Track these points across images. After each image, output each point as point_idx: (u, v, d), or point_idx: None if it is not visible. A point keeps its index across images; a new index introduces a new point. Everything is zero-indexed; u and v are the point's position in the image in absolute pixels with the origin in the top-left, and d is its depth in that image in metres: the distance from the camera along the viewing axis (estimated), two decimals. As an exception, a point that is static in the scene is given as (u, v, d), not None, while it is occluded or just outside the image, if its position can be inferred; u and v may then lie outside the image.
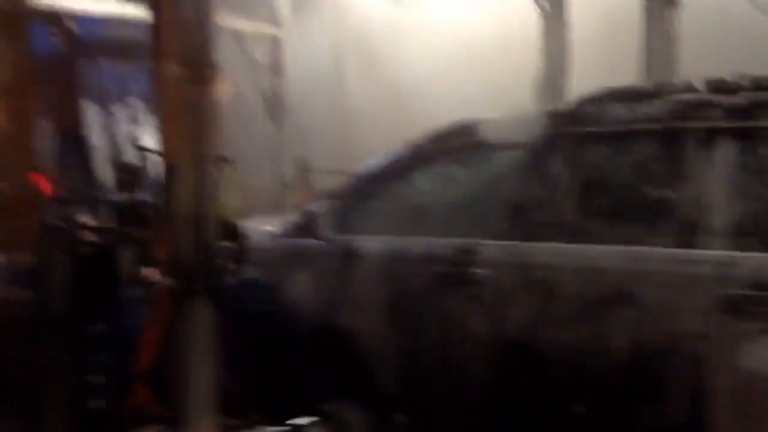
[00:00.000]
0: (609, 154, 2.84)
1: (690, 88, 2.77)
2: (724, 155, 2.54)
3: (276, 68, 8.85)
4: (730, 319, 2.38)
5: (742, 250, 2.45)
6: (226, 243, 2.93)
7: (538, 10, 7.61)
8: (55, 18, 7.25)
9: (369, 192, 3.40)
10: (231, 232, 2.95)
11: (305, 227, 3.38)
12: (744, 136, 2.54)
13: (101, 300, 3.28)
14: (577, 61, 7.54)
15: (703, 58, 6.29)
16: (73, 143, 6.44)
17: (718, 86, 2.70)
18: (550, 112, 3.11)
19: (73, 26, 7.42)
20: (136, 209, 3.35)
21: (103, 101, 7.15)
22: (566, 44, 7.58)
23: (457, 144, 3.24)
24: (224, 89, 9.45)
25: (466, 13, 9.00)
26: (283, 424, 3.18)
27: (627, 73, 6.28)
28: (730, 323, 2.38)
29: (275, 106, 8.98)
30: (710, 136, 2.58)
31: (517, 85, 7.58)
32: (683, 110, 2.68)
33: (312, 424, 3.19)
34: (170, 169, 2.73)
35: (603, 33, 7.87)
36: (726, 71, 2.78)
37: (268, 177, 8.98)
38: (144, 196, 3.12)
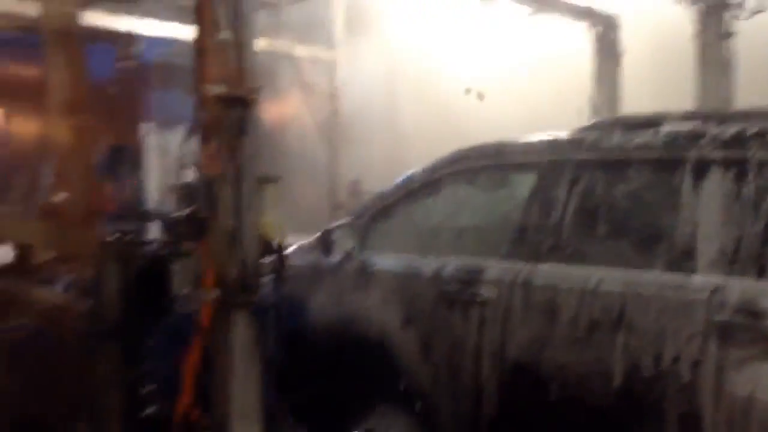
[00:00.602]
0: (608, 180, 2.91)
1: (688, 117, 2.85)
2: (716, 184, 2.61)
3: (331, 91, 9.02)
4: (720, 344, 2.41)
5: (732, 276, 2.50)
6: (266, 259, 3.03)
7: (593, 37, 7.64)
8: (121, 40, 7.56)
9: (387, 211, 3.53)
10: (272, 248, 3.05)
11: (323, 245, 3.52)
12: (734, 165, 2.60)
13: (154, 311, 3.39)
14: (630, 89, 7.52)
15: (758, 86, 6.21)
16: (130, 161, 6.69)
17: (712, 117, 2.78)
18: (557, 138, 3.19)
19: (138, 48, 7.72)
20: (188, 224, 3.47)
21: (162, 122, 7.41)
22: (619, 72, 7.58)
23: (469, 166, 3.34)
24: (282, 112, 9.71)
25: (522, 36, 9.04)
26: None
27: (681, 102, 6.23)
28: (720, 349, 2.41)
29: (330, 128, 9.14)
30: (702, 165, 2.66)
31: (570, 110, 7.57)
32: (678, 140, 2.76)
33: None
34: (211, 186, 2.85)
35: (656, 61, 7.82)
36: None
37: (323, 197, 9.13)
38: (196, 212, 3.23)
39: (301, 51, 8.63)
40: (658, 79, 7.60)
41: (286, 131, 9.64)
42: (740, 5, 6.91)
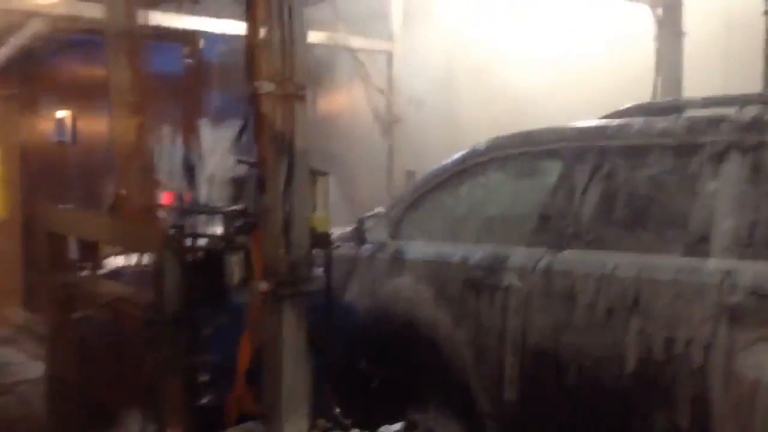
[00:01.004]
0: (630, 167, 2.93)
1: (708, 103, 2.87)
2: (733, 168, 2.60)
3: (388, 83, 9.06)
4: (731, 327, 2.40)
5: (746, 260, 2.49)
6: (316, 251, 3.08)
7: (654, 21, 7.44)
8: (187, 39, 7.76)
9: (420, 200, 3.59)
10: (321, 240, 3.10)
11: (358, 233, 3.61)
12: (751, 149, 2.58)
13: (209, 302, 3.50)
14: (694, 71, 7.30)
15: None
16: (187, 157, 6.89)
17: (730, 102, 2.79)
18: (581, 126, 3.22)
19: (201, 46, 7.92)
20: (242, 218, 3.56)
21: (217, 119, 7.59)
22: (682, 55, 7.37)
23: (496, 155, 3.39)
24: (340, 104, 9.79)
25: (583, 26, 8.88)
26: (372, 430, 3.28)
27: (746, 83, 6.02)
28: (731, 331, 2.40)
29: (387, 120, 9.18)
30: (721, 150, 2.65)
31: (634, 95, 7.40)
32: (696, 125, 2.77)
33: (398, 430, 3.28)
34: (263, 181, 2.92)
35: (721, 42, 7.56)
36: None
37: (381, 188, 9.19)
38: (248, 206, 3.31)
39: (358, 43, 8.69)
40: (726, 60, 7.35)
41: (343, 123, 9.73)
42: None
